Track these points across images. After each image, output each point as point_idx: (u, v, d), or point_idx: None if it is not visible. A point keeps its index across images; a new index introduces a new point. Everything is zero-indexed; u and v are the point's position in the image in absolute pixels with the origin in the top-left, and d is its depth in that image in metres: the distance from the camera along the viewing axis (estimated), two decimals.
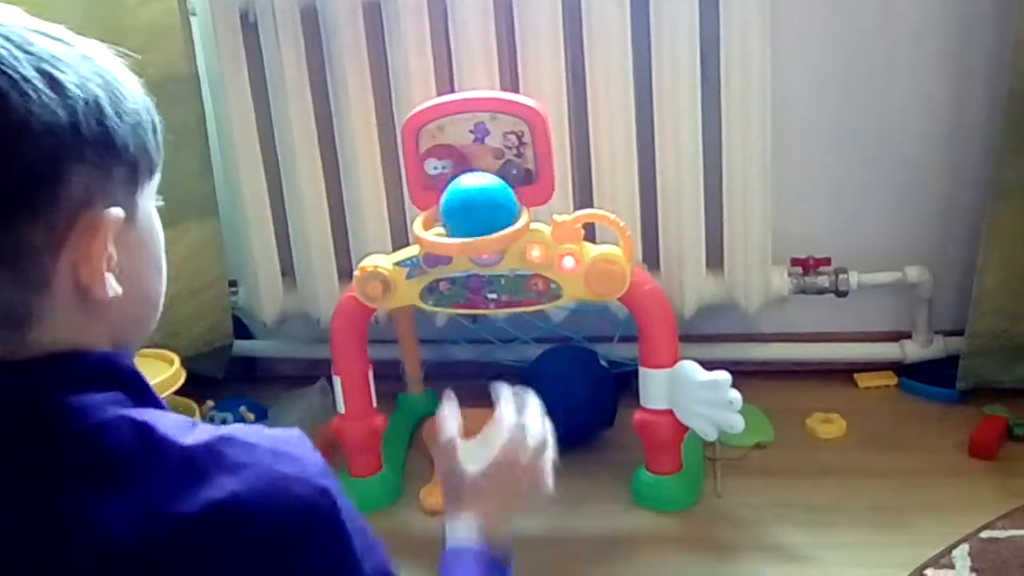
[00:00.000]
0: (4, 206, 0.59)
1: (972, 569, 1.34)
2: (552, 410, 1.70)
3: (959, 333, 1.77)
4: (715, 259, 1.76)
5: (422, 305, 1.53)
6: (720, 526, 1.51)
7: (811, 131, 1.77)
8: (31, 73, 0.59)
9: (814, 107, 1.76)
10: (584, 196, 1.74)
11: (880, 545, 1.43)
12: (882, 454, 1.64)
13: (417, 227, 1.47)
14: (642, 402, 1.54)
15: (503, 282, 1.49)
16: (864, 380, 1.85)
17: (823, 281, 1.79)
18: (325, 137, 1.78)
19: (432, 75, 1.70)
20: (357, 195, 1.78)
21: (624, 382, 1.70)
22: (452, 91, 1.68)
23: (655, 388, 1.52)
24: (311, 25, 1.72)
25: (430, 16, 1.68)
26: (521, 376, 1.77)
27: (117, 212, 0.64)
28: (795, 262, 1.79)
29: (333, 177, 1.80)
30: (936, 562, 1.36)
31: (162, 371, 1.64)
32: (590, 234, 1.62)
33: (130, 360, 0.68)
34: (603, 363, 1.74)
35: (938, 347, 1.83)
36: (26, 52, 0.60)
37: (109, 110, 0.64)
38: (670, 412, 1.51)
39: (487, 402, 1.85)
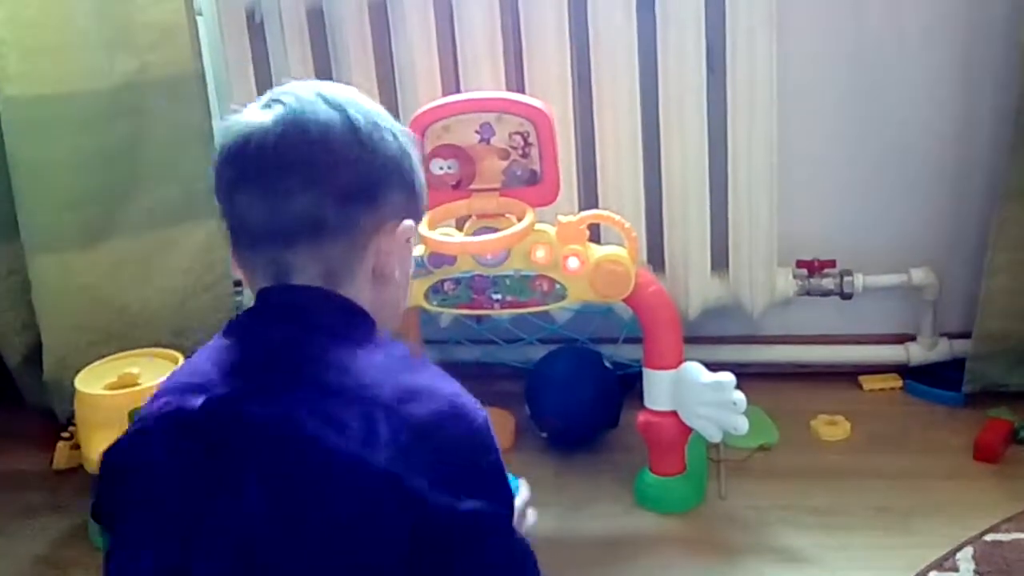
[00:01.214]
0: (358, 196, 0.90)
1: (976, 572, 1.34)
2: (556, 411, 1.71)
3: (965, 336, 1.77)
4: (720, 261, 1.76)
5: (427, 305, 1.53)
6: (724, 528, 1.51)
7: (817, 134, 1.77)
8: (385, 124, 0.94)
9: (820, 109, 1.75)
10: (589, 197, 1.74)
11: (884, 548, 1.43)
12: (887, 456, 1.64)
13: (422, 227, 1.47)
14: (646, 403, 1.54)
15: (508, 283, 1.49)
16: (869, 382, 1.85)
17: (828, 283, 1.78)
18: None
19: (438, 75, 1.70)
20: None
21: (628, 383, 1.70)
22: (458, 91, 1.68)
23: (659, 389, 1.52)
24: (317, 25, 1.72)
25: (436, 16, 1.68)
26: (526, 377, 1.77)
27: (411, 224, 0.95)
28: (800, 264, 1.79)
29: None
30: (940, 565, 1.36)
31: (167, 370, 1.63)
32: (595, 235, 1.62)
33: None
34: (608, 364, 1.74)
35: (943, 350, 1.83)
36: (381, 116, 0.94)
37: (415, 164, 0.97)
38: (674, 414, 1.51)
39: (490, 402, 1.86)
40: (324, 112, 0.91)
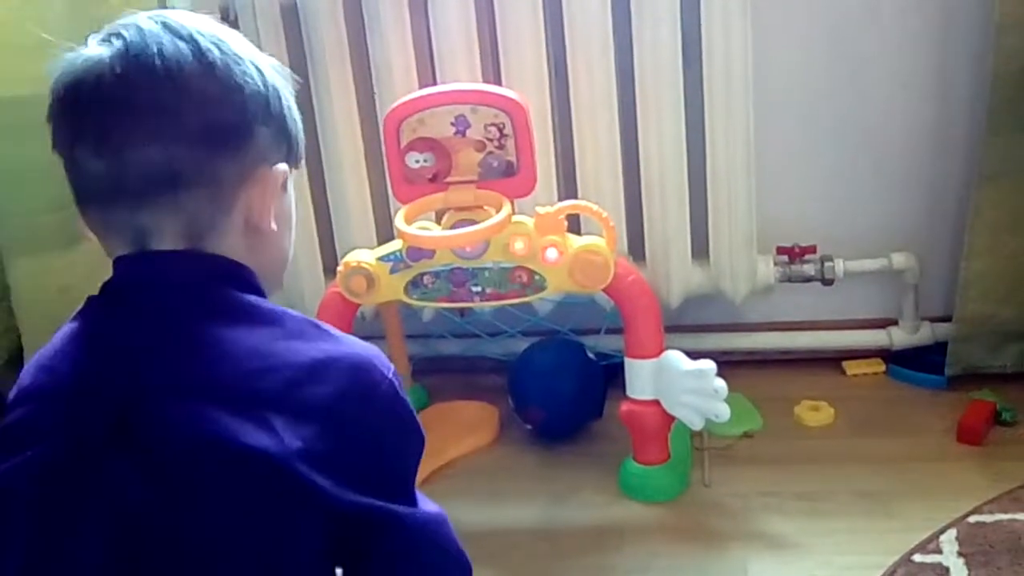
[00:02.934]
0: (218, 141, 0.80)
1: (959, 554, 1.34)
2: (540, 403, 1.71)
3: (946, 319, 1.77)
4: (701, 249, 1.76)
5: (407, 299, 1.53)
6: (708, 515, 1.51)
7: (795, 119, 1.77)
8: (246, 56, 0.83)
9: (798, 94, 1.76)
10: (568, 187, 1.74)
11: (868, 532, 1.43)
12: (870, 441, 1.64)
13: (399, 221, 1.47)
14: (628, 393, 1.54)
15: (487, 275, 1.49)
16: (852, 367, 1.85)
17: (809, 269, 1.78)
18: (308, 132, 1.75)
19: (414, 69, 1.69)
20: (341, 190, 1.77)
21: (612, 374, 1.69)
22: (434, 84, 1.67)
23: (641, 379, 1.52)
24: (292, 21, 1.71)
25: (411, 9, 1.67)
26: (509, 370, 1.77)
27: (284, 168, 0.86)
28: (781, 250, 1.79)
29: (317, 172, 1.79)
30: (924, 548, 1.36)
31: None
32: (575, 226, 1.62)
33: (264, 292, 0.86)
34: (590, 355, 1.74)
35: (925, 333, 1.83)
36: (239, 46, 0.83)
37: (285, 100, 0.87)
38: (656, 402, 1.51)
39: (474, 395, 1.87)
40: (171, 45, 0.79)
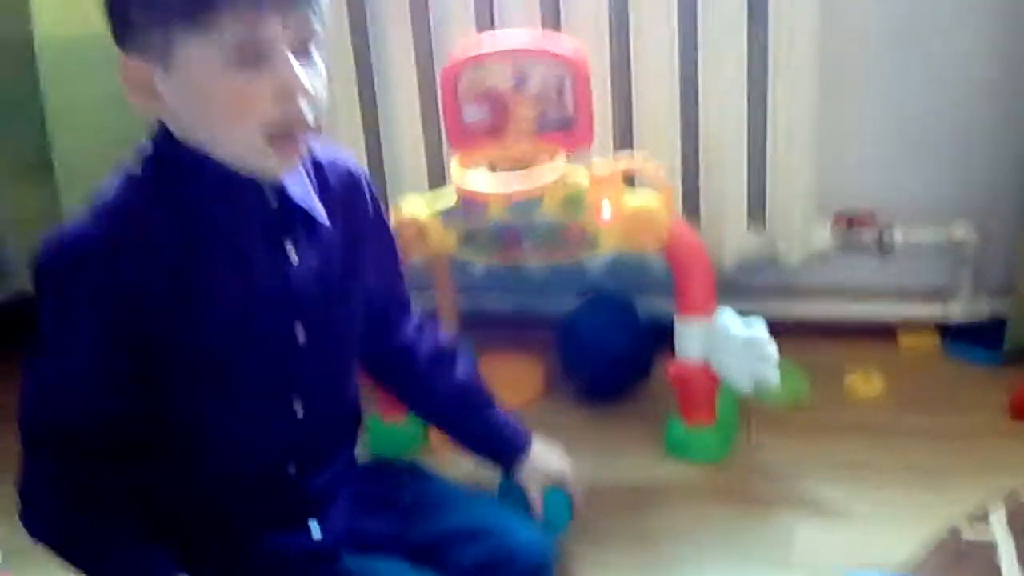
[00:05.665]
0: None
1: (1009, 528, 1.32)
2: (589, 361, 1.71)
3: (1006, 293, 1.73)
4: (757, 212, 1.73)
5: (458, 253, 1.52)
6: (752, 479, 1.50)
7: (859, 83, 1.73)
8: None
9: (864, 57, 1.71)
10: (624, 139, 1.71)
11: (915, 504, 1.41)
12: (921, 415, 1.62)
13: (455, 170, 1.46)
14: (677, 353, 1.53)
15: (540, 231, 1.48)
16: (906, 340, 1.82)
17: (866, 237, 1.75)
18: (365, 82, 1.76)
19: (472, 11, 1.66)
20: (394, 134, 1.76)
21: (661, 334, 1.68)
22: (492, 28, 1.65)
23: (691, 340, 1.50)
24: None
25: None
26: (559, 327, 1.76)
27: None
28: (839, 217, 1.76)
29: (371, 115, 1.78)
30: (971, 522, 1.35)
31: None
32: (629, 177, 1.60)
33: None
34: (641, 315, 1.73)
35: (983, 307, 1.79)
36: None
37: None
38: (705, 364, 1.50)
39: (522, 351, 1.86)
40: None
